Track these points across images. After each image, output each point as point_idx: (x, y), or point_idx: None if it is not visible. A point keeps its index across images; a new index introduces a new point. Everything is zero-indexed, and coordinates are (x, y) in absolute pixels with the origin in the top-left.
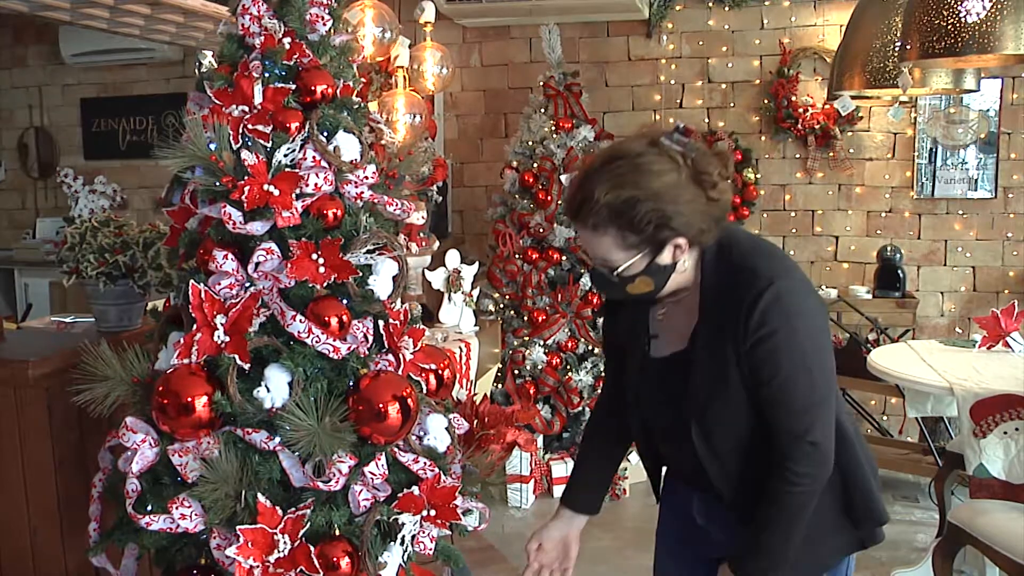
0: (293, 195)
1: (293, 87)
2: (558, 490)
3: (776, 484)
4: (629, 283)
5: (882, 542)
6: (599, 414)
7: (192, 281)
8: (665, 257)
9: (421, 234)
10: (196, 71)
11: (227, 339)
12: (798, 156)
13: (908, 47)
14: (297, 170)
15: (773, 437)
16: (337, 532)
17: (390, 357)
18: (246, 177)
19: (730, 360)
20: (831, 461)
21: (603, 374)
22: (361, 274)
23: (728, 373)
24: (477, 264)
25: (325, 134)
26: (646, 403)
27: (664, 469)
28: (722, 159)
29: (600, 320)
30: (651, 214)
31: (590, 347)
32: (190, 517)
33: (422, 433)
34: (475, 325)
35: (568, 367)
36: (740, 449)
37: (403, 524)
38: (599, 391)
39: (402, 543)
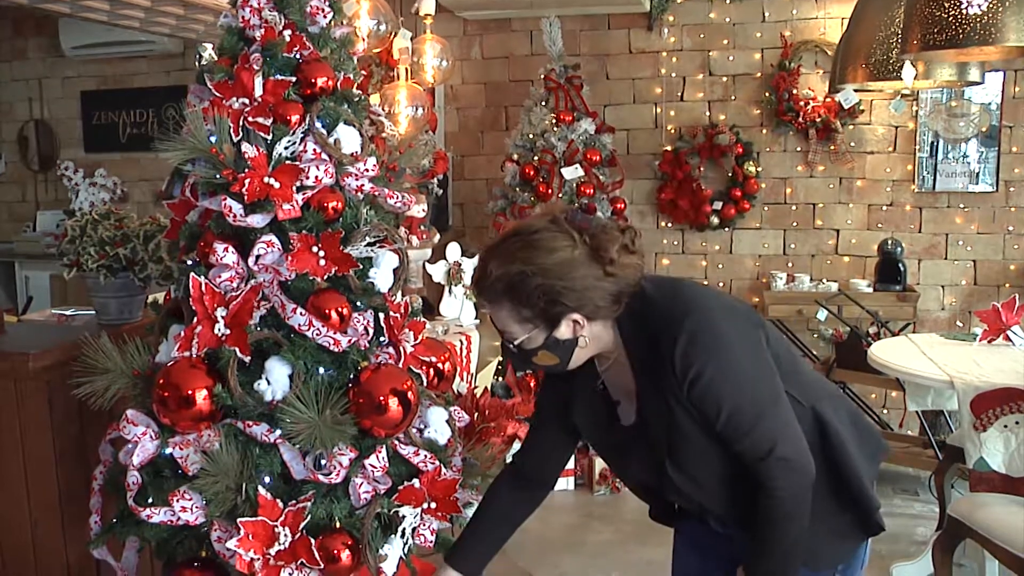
0: (293, 188)
1: (293, 80)
2: (558, 483)
3: (763, 502)
4: (532, 355)
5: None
6: (506, 482)
7: (192, 274)
8: (563, 332)
9: (422, 227)
10: (196, 63)
11: (227, 332)
12: (799, 149)
13: (909, 40)
14: (297, 163)
15: (748, 465)
16: (338, 525)
17: (391, 350)
18: (246, 170)
19: (675, 410)
20: (809, 463)
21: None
22: (362, 267)
23: (680, 423)
24: (478, 257)
25: (325, 127)
26: (627, 466)
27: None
28: (629, 234)
29: None
30: (540, 289)
31: None
32: (191, 510)
33: (423, 426)
34: (476, 318)
35: None
36: (725, 478)
37: (404, 517)
38: (511, 457)
39: (403, 536)
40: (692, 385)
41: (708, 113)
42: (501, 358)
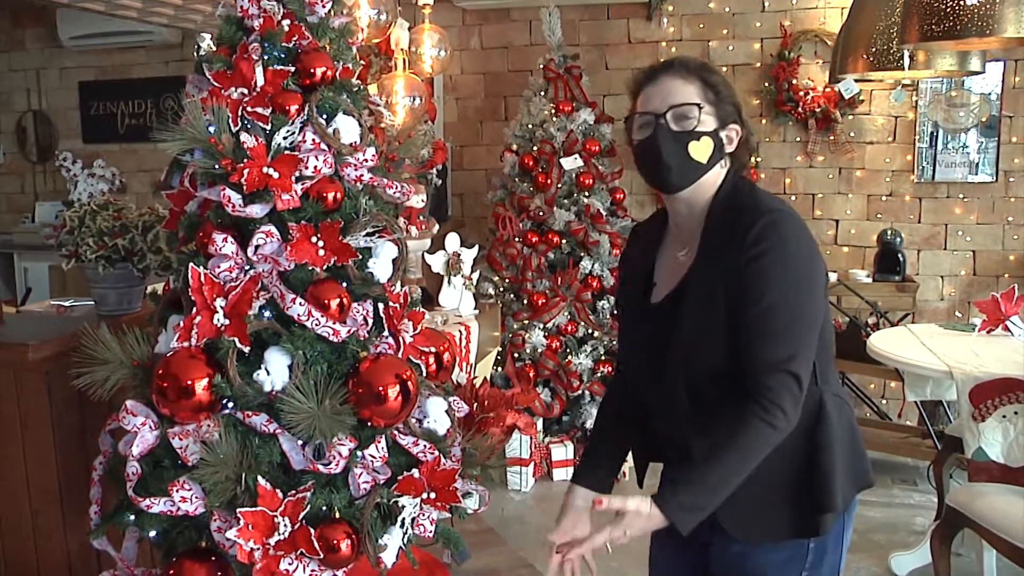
0: (292, 178)
1: (292, 69)
2: (558, 473)
3: (748, 407)
4: (694, 139)
5: (828, 534)
6: (613, 393)
7: (191, 264)
8: (724, 136)
9: (421, 217)
10: (195, 54)
11: (227, 322)
12: (798, 139)
13: (907, 30)
14: (296, 153)
15: (751, 372)
16: (337, 515)
17: (390, 340)
18: (245, 160)
19: (719, 286)
20: (800, 406)
21: (615, 344)
22: (361, 257)
23: (716, 299)
24: (477, 247)
25: (324, 117)
26: (636, 348)
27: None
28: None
29: (600, 303)
30: (727, 89)
31: (590, 330)
32: (190, 500)
33: (422, 416)
34: (475, 308)
35: (568, 350)
36: (715, 378)
37: (403, 507)
38: (612, 368)
39: (402, 526)
40: (753, 259)
41: None
42: (648, 154)
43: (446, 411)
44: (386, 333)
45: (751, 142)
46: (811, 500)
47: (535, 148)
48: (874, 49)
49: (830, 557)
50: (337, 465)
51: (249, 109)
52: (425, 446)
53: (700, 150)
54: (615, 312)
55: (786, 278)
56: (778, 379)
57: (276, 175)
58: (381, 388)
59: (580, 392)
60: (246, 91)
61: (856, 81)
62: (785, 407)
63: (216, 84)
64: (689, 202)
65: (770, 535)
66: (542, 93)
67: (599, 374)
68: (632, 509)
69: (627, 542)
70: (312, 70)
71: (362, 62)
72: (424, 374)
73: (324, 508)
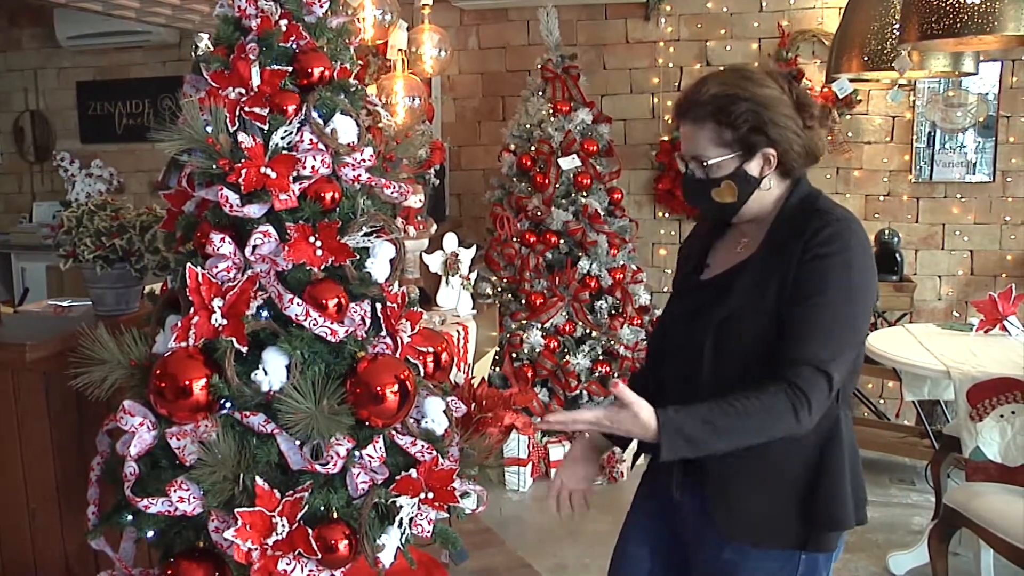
0: (290, 178)
1: (290, 69)
2: (555, 473)
3: (780, 386)
4: (715, 186)
5: (833, 551)
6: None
7: (189, 264)
8: (753, 167)
9: (419, 217)
10: (192, 53)
11: (224, 322)
12: None
13: (907, 28)
14: (294, 153)
15: (790, 361)
16: (335, 515)
17: (388, 340)
18: (243, 160)
19: (774, 275)
20: (822, 412)
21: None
22: (359, 257)
23: (769, 286)
24: (475, 247)
25: (322, 116)
26: (673, 321)
27: None
28: (825, 111)
29: (597, 303)
30: (748, 114)
31: (588, 331)
32: (188, 500)
33: (420, 416)
34: (473, 308)
35: (566, 350)
36: (747, 367)
37: (401, 507)
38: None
39: (400, 526)
40: (817, 258)
41: None
42: (683, 196)
43: (444, 411)
44: (384, 333)
45: (809, 142)
46: (825, 513)
47: (533, 148)
48: (869, 49)
49: (821, 573)
50: (335, 465)
51: (247, 109)
52: (423, 446)
53: (723, 194)
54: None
55: (847, 282)
56: (815, 375)
57: (274, 175)
58: (379, 388)
59: (578, 392)
60: (244, 91)
61: (854, 81)
62: (812, 402)
63: (214, 84)
64: (749, 218)
65: (774, 540)
66: (540, 93)
67: (597, 374)
68: (634, 401)
69: (606, 429)
70: (310, 70)
71: (360, 62)
72: (422, 374)
73: (322, 508)
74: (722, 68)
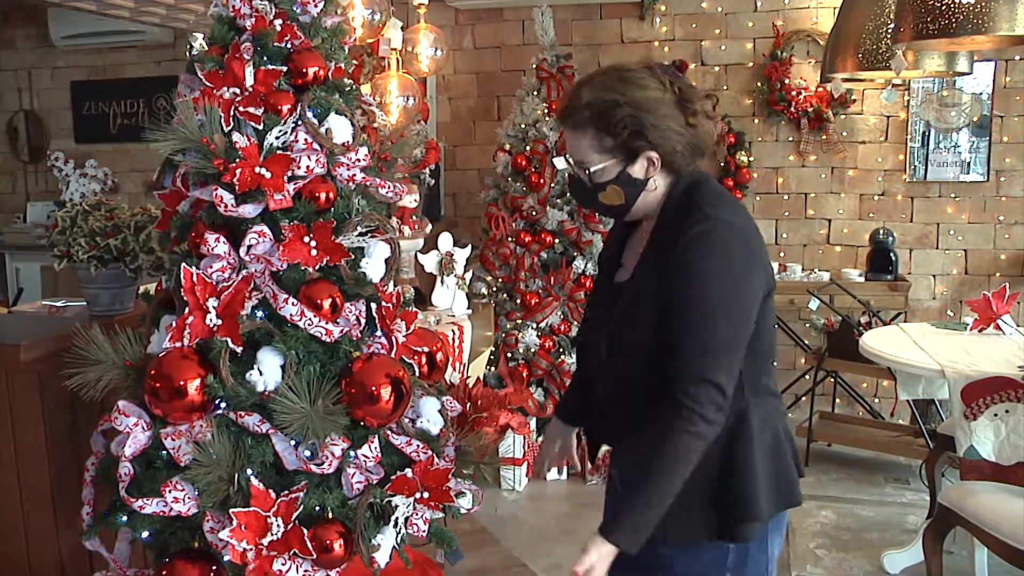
0: (285, 177)
1: (284, 69)
2: (551, 473)
3: (670, 417)
4: (601, 191)
5: (750, 542)
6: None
7: (184, 264)
8: (637, 169)
9: (414, 217)
10: (187, 53)
11: (219, 322)
12: (791, 139)
13: (902, 28)
14: (289, 152)
15: (674, 378)
16: (330, 515)
17: (383, 340)
18: (237, 160)
19: (654, 287)
20: (725, 409)
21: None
22: (353, 257)
23: (649, 299)
24: (470, 247)
25: (317, 116)
26: (590, 324)
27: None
28: (712, 101)
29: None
30: (628, 119)
31: None
32: (183, 500)
33: (415, 416)
34: (468, 308)
35: (561, 350)
36: (639, 381)
37: (396, 506)
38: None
39: (395, 525)
40: (678, 270)
41: None
42: (571, 197)
43: (439, 411)
44: (379, 333)
45: (694, 139)
46: (729, 509)
47: (528, 148)
48: (863, 49)
49: (754, 561)
50: (330, 465)
51: (241, 109)
52: (418, 446)
53: (611, 197)
54: None
55: (703, 294)
56: (698, 386)
57: (268, 175)
58: (374, 388)
59: None
60: (238, 91)
61: (848, 81)
62: (706, 414)
63: (208, 84)
64: (641, 216)
65: (684, 537)
66: (535, 93)
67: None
68: (593, 561)
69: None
70: (304, 70)
71: (354, 62)
72: (417, 374)
73: (317, 508)
74: (602, 68)
